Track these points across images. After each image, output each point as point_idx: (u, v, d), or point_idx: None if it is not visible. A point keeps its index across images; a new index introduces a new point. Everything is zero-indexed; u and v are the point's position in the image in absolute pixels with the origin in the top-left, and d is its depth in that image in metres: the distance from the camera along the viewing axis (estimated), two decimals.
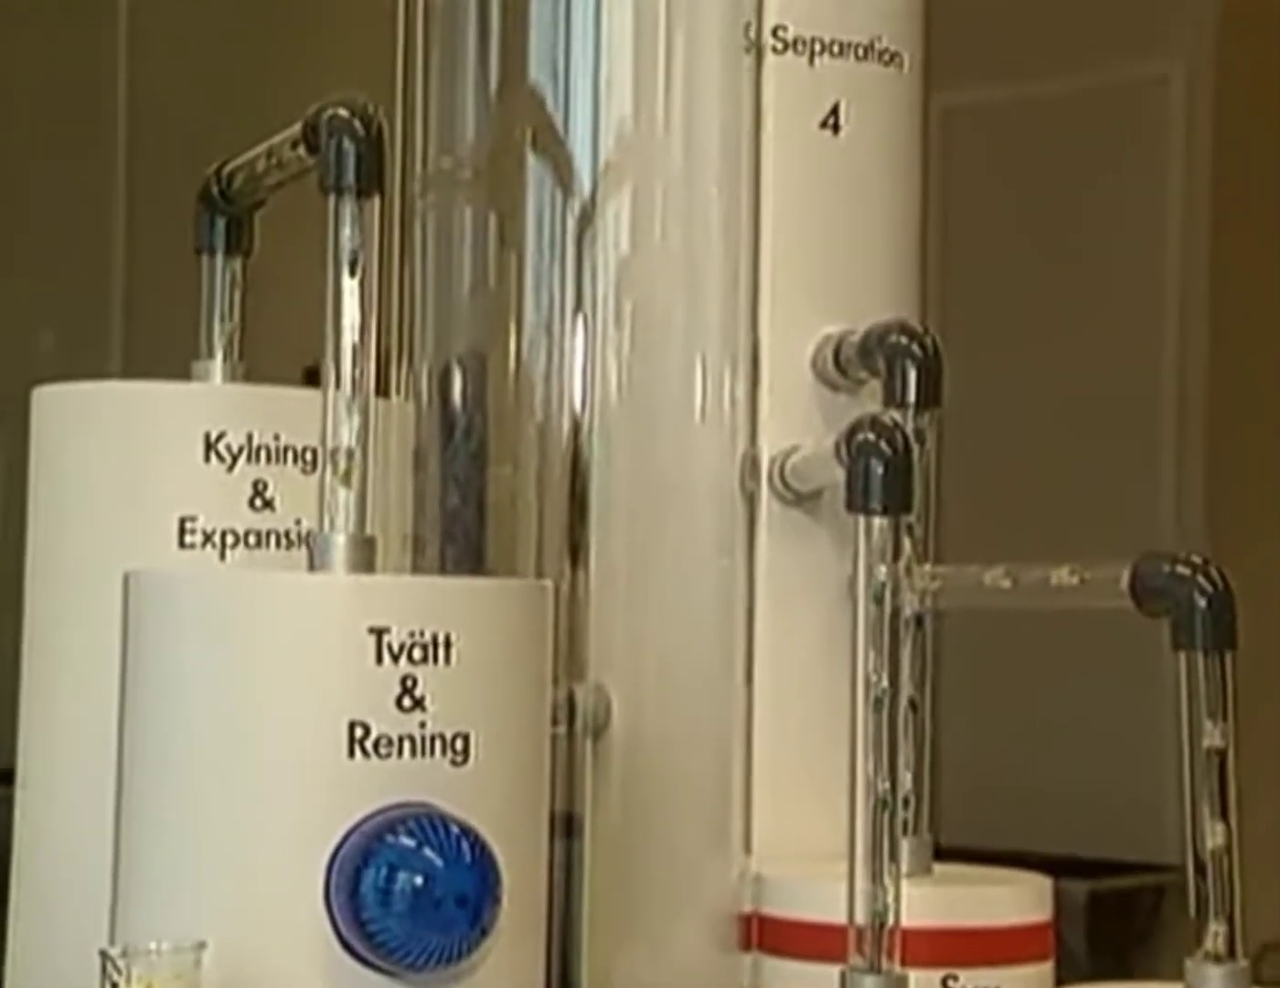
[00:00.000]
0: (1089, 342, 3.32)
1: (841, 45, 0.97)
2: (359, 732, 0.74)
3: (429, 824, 0.74)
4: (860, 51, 0.97)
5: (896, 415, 0.87)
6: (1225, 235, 3.33)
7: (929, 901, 0.87)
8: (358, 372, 0.78)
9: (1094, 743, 3.29)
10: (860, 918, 0.80)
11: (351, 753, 0.74)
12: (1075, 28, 3.29)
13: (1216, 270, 3.34)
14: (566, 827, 0.92)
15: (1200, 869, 0.83)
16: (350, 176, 0.78)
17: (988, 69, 2.98)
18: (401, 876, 0.73)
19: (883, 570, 0.80)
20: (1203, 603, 0.81)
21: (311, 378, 0.83)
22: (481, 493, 0.97)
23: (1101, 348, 3.32)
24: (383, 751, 0.74)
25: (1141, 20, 3.32)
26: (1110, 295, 3.33)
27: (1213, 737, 0.82)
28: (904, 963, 0.81)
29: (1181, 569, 0.82)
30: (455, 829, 0.74)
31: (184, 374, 0.93)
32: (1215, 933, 0.83)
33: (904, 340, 0.92)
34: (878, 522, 0.81)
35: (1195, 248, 3.33)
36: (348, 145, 0.79)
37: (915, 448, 0.84)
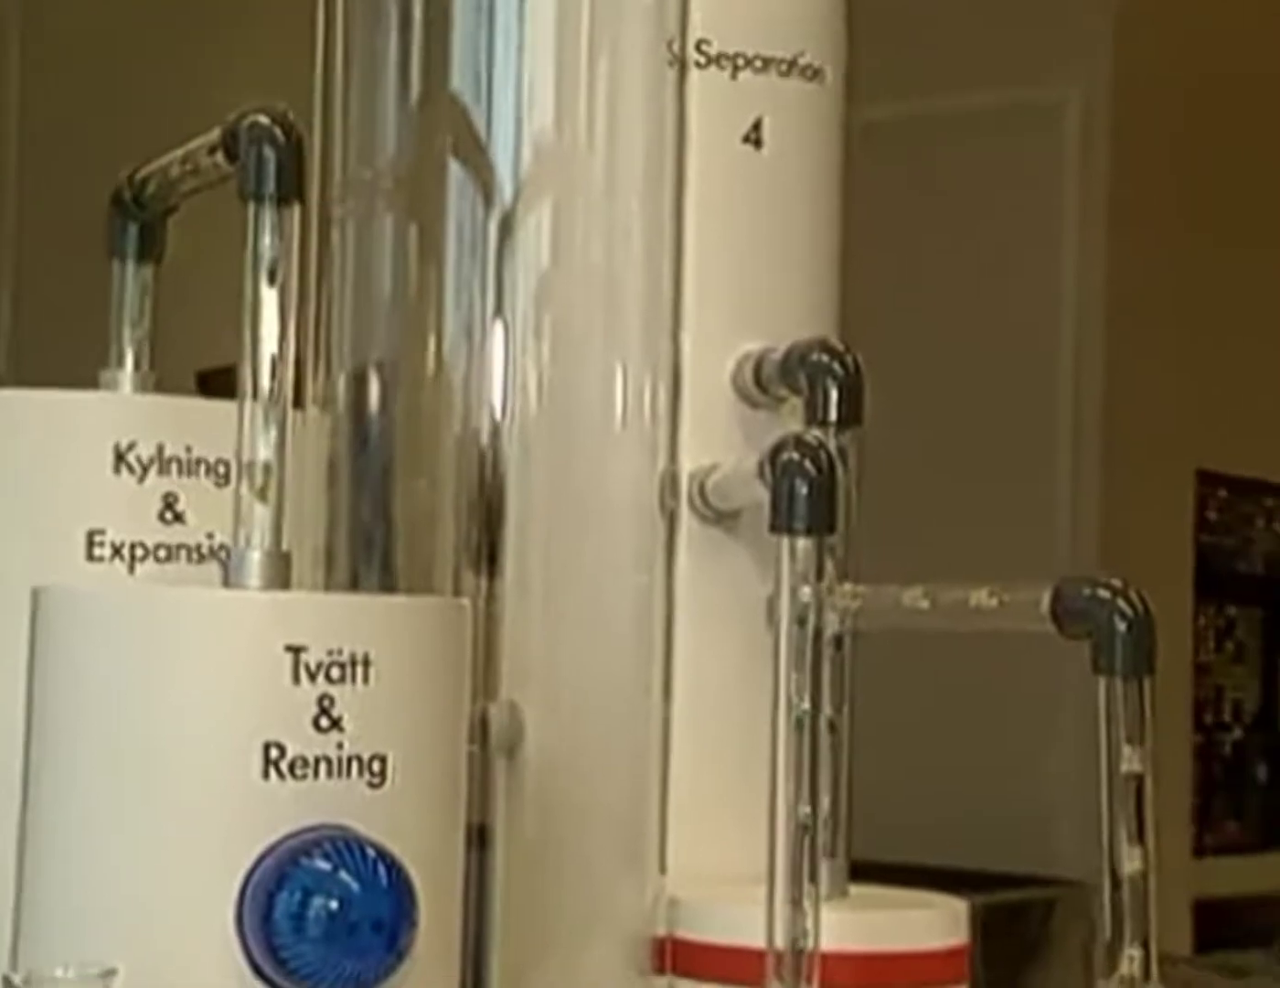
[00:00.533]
0: (989, 363, 3.35)
1: (764, 60, 0.96)
2: (274, 753, 0.72)
3: (345, 847, 0.72)
4: (783, 67, 0.97)
5: (819, 434, 0.87)
6: (1120, 261, 3.37)
7: (847, 925, 0.86)
8: (275, 383, 0.76)
9: (984, 758, 3.31)
10: (780, 942, 0.80)
11: (266, 774, 0.72)
12: (985, 48, 3.32)
13: (1112, 295, 3.37)
14: (479, 846, 0.91)
15: (1117, 893, 0.83)
16: (270, 184, 0.77)
17: (902, 85, 3.00)
18: (316, 900, 0.72)
19: (806, 591, 0.80)
20: (1123, 627, 0.81)
21: (204, 383, 0.81)
22: (396, 506, 0.95)
23: (1001, 369, 3.34)
24: (298, 772, 0.72)
25: (1040, 47, 3.36)
26: (1010, 316, 3.36)
27: (1131, 761, 0.82)
28: (822, 987, 0.80)
29: (1102, 592, 0.82)
30: (372, 852, 0.73)
31: (70, 383, 0.91)
32: (1131, 957, 0.83)
33: (826, 359, 0.91)
34: (802, 542, 0.80)
35: (1091, 272, 3.36)
36: (268, 153, 0.77)
37: (839, 467, 0.84)
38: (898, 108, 3.03)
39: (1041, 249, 3.36)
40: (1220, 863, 3.65)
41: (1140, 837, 0.82)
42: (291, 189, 0.77)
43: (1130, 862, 0.82)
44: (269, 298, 0.77)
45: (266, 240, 0.77)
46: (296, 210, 0.78)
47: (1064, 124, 3.37)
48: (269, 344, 0.77)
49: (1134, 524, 3.33)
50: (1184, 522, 3.63)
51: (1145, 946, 0.83)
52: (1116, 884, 0.83)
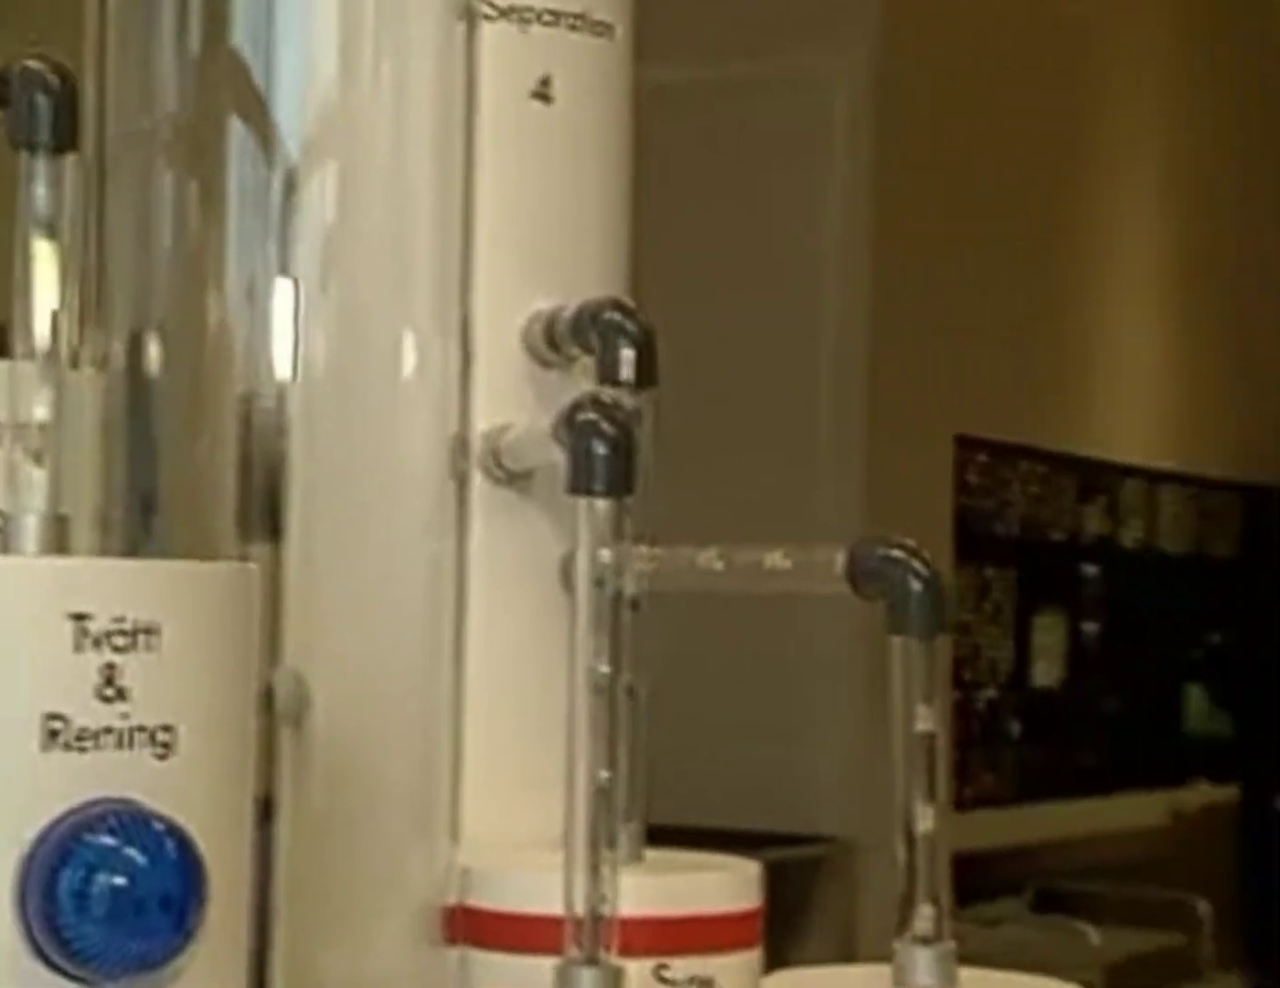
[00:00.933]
0: (759, 329, 3.38)
1: (554, 14, 0.95)
2: (55, 724, 0.69)
3: (131, 822, 0.70)
4: (573, 21, 0.95)
5: (616, 394, 0.86)
6: (884, 230, 3.42)
7: (646, 889, 0.85)
8: (51, 341, 0.73)
9: (740, 718, 3.35)
10: (578, 909, 0.78)
11: (47, 747, 0.69)
12: (760, 17, 3.35)
13: (877, 264, 3.42)
14: (264, 819, 0.88)
15: (911, 852, 0.83)
16: (44, 132, 0.74)
17: (683, 49, 3.00)
18: (101, 877, 0.69)
19: (605, 553, 0.79)
20: (918, 587, 0.81)
21: None
22: (176, 469, 0.92)
23: (770, 335, 3.37)
24: (81, 744, 0.70)
25: (811, 20, 3.39)
26: (780, 282, 3.39)
27: (925, 721, 0.83)
28: (619, 954, 0.79)
29: (896, 554, 0.82)
30: (159, 826, 0.70)
31: None
32: (924, 916, 0.84)
33: (618, 318, 0.90)
34: (600, 504, 0.79)
35: (856, 241, 3.40)
36: (41, 100, 0.74)
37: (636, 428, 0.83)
38: (678, 71, 3.04)
39: (810, 218, 3.40)
40: (976, 816, 3.74)
41: (933, 796, 0.83)
42: (67, 137, 0.74)
43: (924, 821, 0.83)
44: (43, 252, 0.74)
45: (40, 191, 0.74)
46: (72, 160, 0.74)
47: (832, 94, 3.40)
48: (44, 300, 0.73)
49: (897, 487, 3.39)
50: (944, 485, 3.71)
51: (937, 904, 0.84)
52: (910, 843, 0.83)
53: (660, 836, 0.92)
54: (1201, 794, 4.54)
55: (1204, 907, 4.12)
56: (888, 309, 3.43)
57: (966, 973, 0.84)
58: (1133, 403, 4.36)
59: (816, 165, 3.39)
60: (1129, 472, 4.34)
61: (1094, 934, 3.76)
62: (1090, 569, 4.24)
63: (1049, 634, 4.11)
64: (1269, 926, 4.55)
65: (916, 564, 0.82)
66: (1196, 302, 4.54)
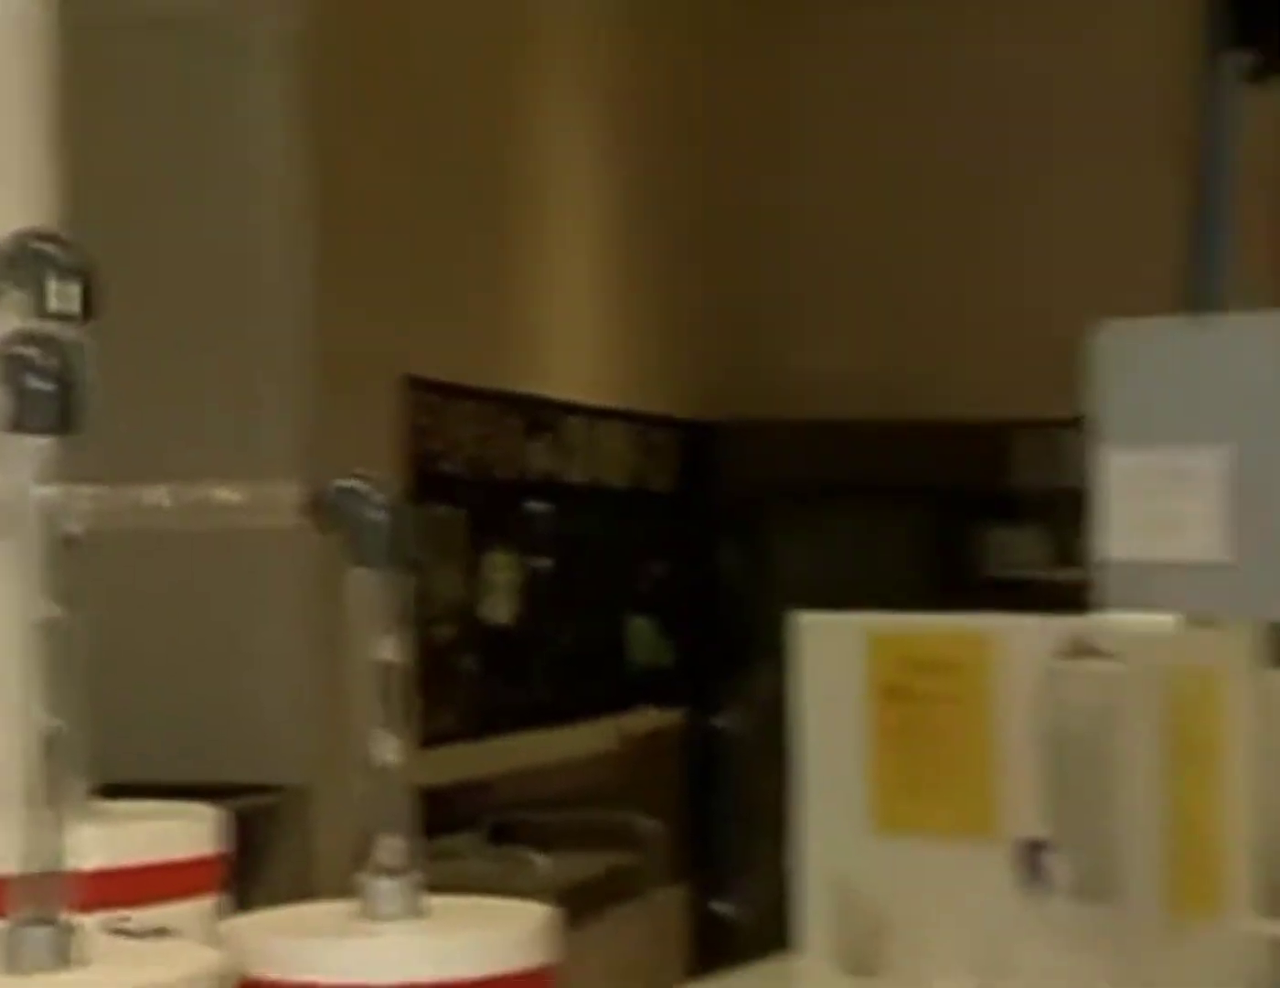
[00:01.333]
0: (205, 274, 3.30)
1: None
2: None
3: None
4: None
5: (52, 328, 0.81)
6: (329, 175, 3.39)
7: (97, 841, 0.82)
8: None
9: (186, 665, 3.28)
10: (30, 866, 0.75)
11: None
12: None
13: (323, 208, 3.39)
14: None
15: (372, 783, 0.83)
16: None
17: None
18: None
19: (47, 492, 0.75)
20: (380, 518, 0.81)
21: None
22: None
23: (215, 278, 3.30)
24: None
25: None
26: (223, 226, 3.32)
27: (388, 651, 0.82)
28: (74, 909, 0.76)
29: (358, 486, 0.81)
30: None
31: None
32: (388, 847, 0.83)
33: (52, 249, 0.86)
34: (41, 442, 0.75)
35: (298, 186, 3.36)
36: None
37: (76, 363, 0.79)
38: (115, 9, 2.93)
39: (255, 157, 3.33)
40: (434, 753, 3.77)
41: (396, 726, 0.83)
42: None
43: (387, 753, 0.82)
44: None
45: None
46: None
47: (267, 34, 3.35)
48: None
49: (345, 429, 3.37)
50: (394, 426, 3.71)
51: (401, 835, 0.84)
52: (373, 775, 0.83)
53: (105, 793, 0.89)
54: (648, 720, 4.70)
55: (650, 826, 4.27)
56: (334, 252, 3.41)
57: (431, 901, 0.84)
58: (576, 343, 4.46)
59: (261, 106, 3.33)
60: (572, 409, 4.43)
61: (547, 862, 3.85)
62: (539, 506, 4.31)
63: (501, 571, 4.17)
64: (711, 839, 4.76)
65: (379, 497, 0.81)
66: (638, 248, 4.67)
